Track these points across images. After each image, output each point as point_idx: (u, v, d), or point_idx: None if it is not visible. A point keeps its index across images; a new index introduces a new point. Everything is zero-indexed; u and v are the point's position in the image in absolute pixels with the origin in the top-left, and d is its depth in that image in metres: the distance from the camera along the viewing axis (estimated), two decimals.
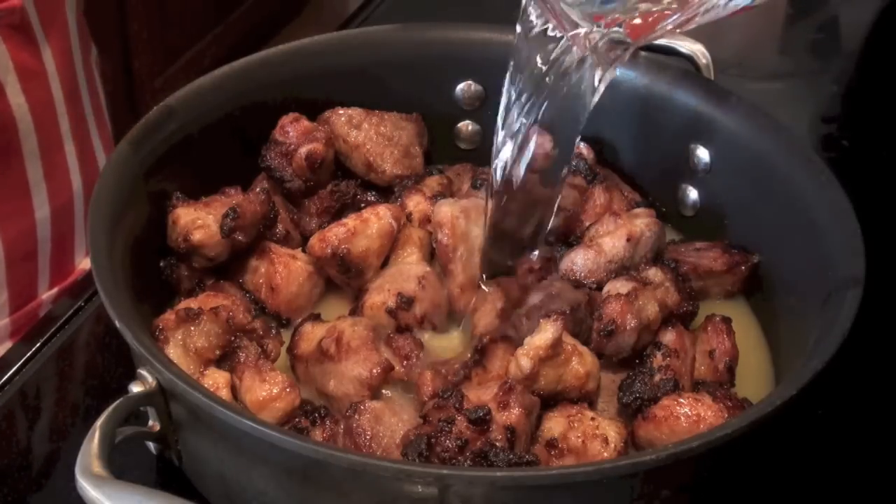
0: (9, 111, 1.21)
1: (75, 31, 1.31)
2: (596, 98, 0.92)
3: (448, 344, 0.99)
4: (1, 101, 1.20)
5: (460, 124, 1.23)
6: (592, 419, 0.87)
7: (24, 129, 1.23)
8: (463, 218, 1.01)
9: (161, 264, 1.02)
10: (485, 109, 1.21)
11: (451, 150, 1.22)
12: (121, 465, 0.77)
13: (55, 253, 1.31)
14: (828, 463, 0.98)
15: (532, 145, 0.94)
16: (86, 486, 0.74)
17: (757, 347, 1.01)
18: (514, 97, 0.93)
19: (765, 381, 0.97)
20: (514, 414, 0.84)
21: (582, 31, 0.87)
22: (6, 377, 1.01)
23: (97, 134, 1.38)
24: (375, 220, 1.02)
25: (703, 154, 1.11)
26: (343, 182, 1.10)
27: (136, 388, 0.82)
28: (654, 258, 1.03)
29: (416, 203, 1.07)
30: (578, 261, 1.01)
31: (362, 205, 1.08)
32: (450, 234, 1.01)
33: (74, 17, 1.31)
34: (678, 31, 0.87)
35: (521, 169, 0.95)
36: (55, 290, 1.32)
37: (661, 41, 1.17)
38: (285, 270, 1.01)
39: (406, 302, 0.97)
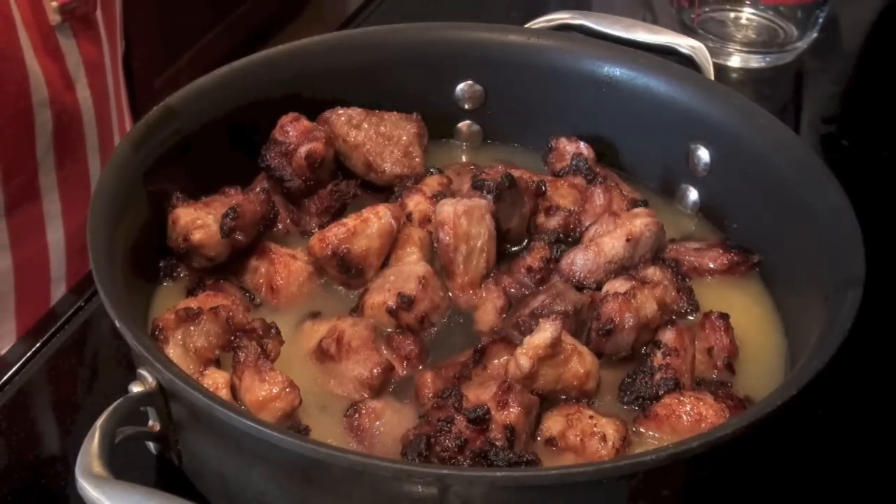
0: (77, 105, 1.23)
1: (119, 25, 1.34)
2: None
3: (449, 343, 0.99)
4: (71, 95, 1.22)
5: (460, 124, 1.23)
6: (591, 417, 0.87)
7: (87, 121, 1.26)
8: (465, 217, 1.01)
9: (161, 264, 1.02)
10: (485, 109, 1.21)
11: (451, 150, 1.22)
12: (121, 465, 0.77)
13: None
14: (828, 463, 0.98)
15: None
16: (86, 486, 0.74)
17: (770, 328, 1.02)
18: None
19: (777, 365, 0.98)
20: (513, 413, 0.84)
21: None
22: (7, 377, 1.01)
23: (130, 127, 1.41)
24: (375, 219, 1.02)
25: (703, 154, 1.11)
26: (343, 182, 1.10)
27: (136, 388, 0.82)
28: (653, 258, 1.03)
29: (416, 203, 1.07)
30: (578, 261, 1.01)
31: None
32: (452, 233, 1.01)
33: (119, 10, 1.34)
34: None
35: None
36: None
37: (662, 41, 1.17)
38: (285, 270, 1.01)
39: (406, 302, 0.97)
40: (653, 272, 1.00)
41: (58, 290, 1.31)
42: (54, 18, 1.21)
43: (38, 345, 1.05)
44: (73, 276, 1.31)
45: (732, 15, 1.59)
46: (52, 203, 1.27)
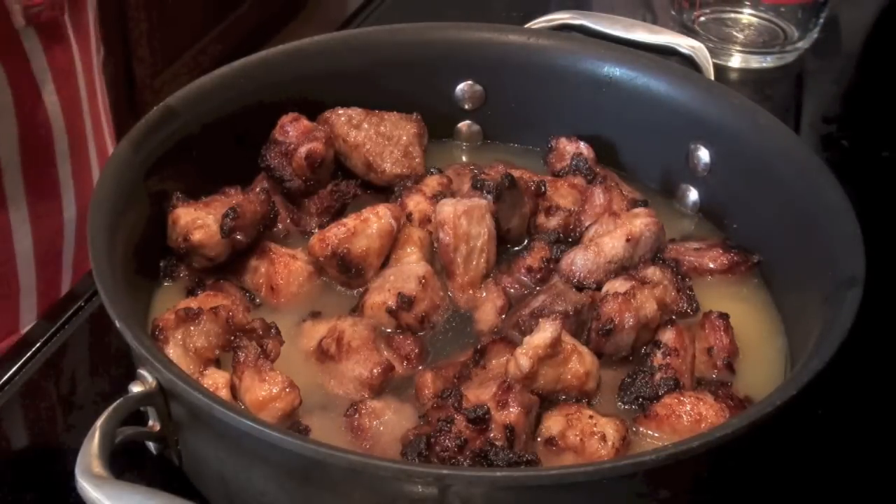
0: (44, 111, 1.22)
1: (94, 31, 1.33)
2: None
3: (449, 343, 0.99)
4: (37, 101, 1.21)
5: (460, 124, 1.23)
6: (591, 417, 0.87)
7: (56, 128, 1.24)
8: (464, 217, 1.01)
9: (161, 264, 1.02)
10: (485, 109, 1.21)
11: (451, 150, 1.22)
12: (121, 465, 0.77)
13: (77, 254, 1.32)
14: (828, 463, 0.98)
15: None
16: (86, 486, 0.74)
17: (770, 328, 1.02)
18: None
19: (777, 364, 0.98)
20: (512, 413, 0.84)
21: None
22: (6, 377, 1.01)
23: (108, 134, 1.39)
24: (375, 219, 1.02)
25: (703, 154, 1.11)
26: (343, 182, 1.10)
27: (136, 388, 0.82)
28: (653, 258, 1.03)
29: (416, 203, 1.07)
30: (578, 261, 1.01)
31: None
32: (451, 233, 1.01)
33: (93, 17, 1.33)
34: None
35: None
36: None
37: (662, 41, 1.17)
38: (285, 270, 1.01)
39: (406, 302, 0.97)
40: (653, 272, 1.00)
41: (27, 301, 1.29)
42: (18, 21, 1.18)
43: (37, 345, 1.04)
44: (42, 284, 1.30)
45: (733, 15, 1.59)
46: (19, 211, 1.24)
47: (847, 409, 1.02)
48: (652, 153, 1.16)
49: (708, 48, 1.17)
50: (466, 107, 1.21)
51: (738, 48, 1.54)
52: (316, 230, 1.06)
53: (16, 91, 1.18)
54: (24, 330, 1.23)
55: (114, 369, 1.04)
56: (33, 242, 1.26)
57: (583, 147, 1.15)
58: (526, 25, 1.21)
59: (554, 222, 1.08)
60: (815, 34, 1.55)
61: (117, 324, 0.82)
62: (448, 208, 1.02)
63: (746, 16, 1.58)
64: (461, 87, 1.20)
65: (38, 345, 1.04)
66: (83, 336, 1.07)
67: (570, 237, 1.07)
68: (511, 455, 0.82)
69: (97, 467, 0.75)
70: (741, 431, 0.77)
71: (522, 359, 0.88)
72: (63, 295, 1.17)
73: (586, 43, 1.17)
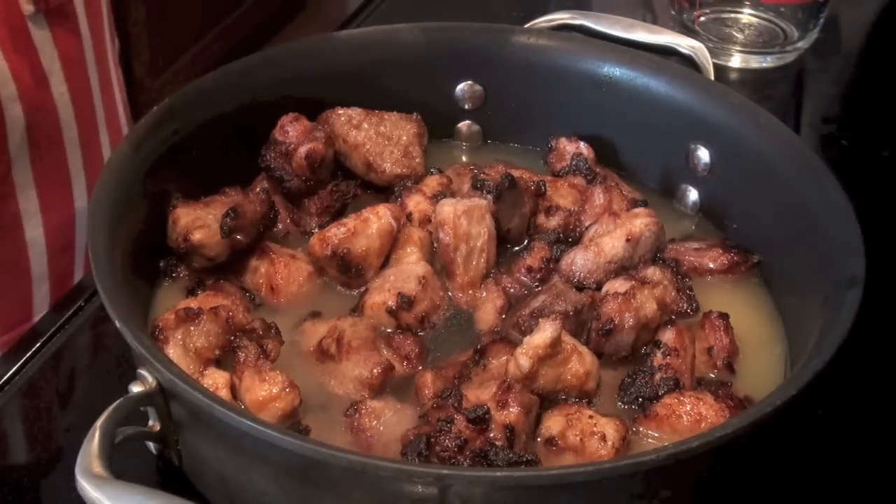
0: (51, 100, 1.21)
1: (108, 21, 1.33)
2: None
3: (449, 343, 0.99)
4: (44, 91, 1.21)
5: (460, 124, 1.23)
6: (591, 417, 0.87)
7: (65, 117, 1.24)
8: (464, 217, 1.01)
9: (161, 264, 1.02)
10: (485, 109, 1.21)
11: (451, 150, 1.22)
12: (121, 465, 0.77)
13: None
14: (828, 463, 0.98)
15: None
16: (86, 486, 0.74)
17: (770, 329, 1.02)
18: None
19: (777, 365, 0.98)
20: (512, 413, 0.84)
21: None
22: (6, 377, 1.01)
23: (125, 124, 1.39)
24: (375, 219, 1.02)
25: (703, 154, 1.11)
26: (343, 182, 1.10)
27: (136, 388, 0.82)
28: (653, 258, 1.03)
29: (416, 203, 1.07)
30: (578, 261, 1.01)
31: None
32: (451, 233, 1.01)
33: (107, 8, 1.32)
34: None
35: None
36: None
37: (661, 41, 1.17)
38: (285, 270, 1.01)
39: (406, 302, 0.97)
40: (653, 272, 1.00)
41: (40, 290, 1.29)
42: (27, 8, 1.17)
43: (38, 345, 1.04)
44: (57, 274, 1.30)
45: (733, 15, 1.59)
46: (29, 200, 1.25)
47: (847, 409, 1.02)
48: (652, 153, 1.16)
49: (708, 48, 1.17)
50: (466, 107, 1.21)
51: (738, 48, 1.54)
52: (316, 230, 1.06)
53: (20, 82, 1.18)
54: (38, 318, 1.23)
55: (114, 369, 1.04)
56: (44, 231, 1.26)
57: (583, 147, 1.15)
58: (526, 25, 1.21)
59: (554, 222, 1.08)
60: (815, 34, 1.55)
61: (118, 324, 0.82)
62: (448, 208, 1.02)
63: (746, 16, 1.58)
64: (461, 87, 1.20)
65: (38, 344, 1.04)
66: (83, 336, 1.07)
67: (570, 237, 1.07)
68: (511, 455, 0.82)
69: (97, 467, 0.75)
70: (741, 431, 0.77)
71: (522, 359, 0.88)
72: (72, 286, 1.17)
73: (586, 43, 1.17)
